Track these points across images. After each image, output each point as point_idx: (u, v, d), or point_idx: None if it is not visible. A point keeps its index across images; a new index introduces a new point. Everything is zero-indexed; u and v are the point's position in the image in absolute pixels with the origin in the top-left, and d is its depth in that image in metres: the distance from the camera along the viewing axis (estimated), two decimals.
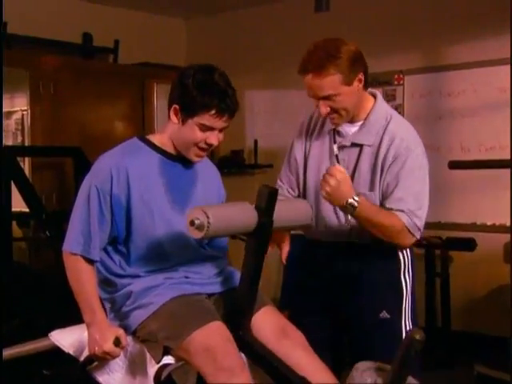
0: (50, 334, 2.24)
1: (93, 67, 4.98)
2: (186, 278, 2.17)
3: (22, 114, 4.64)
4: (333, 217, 2.38)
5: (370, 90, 2.40)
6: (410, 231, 2.27)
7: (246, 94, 5.22)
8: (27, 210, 3.91)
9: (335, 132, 2.39)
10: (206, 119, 2.07)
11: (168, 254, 2.16)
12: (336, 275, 2.39)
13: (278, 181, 2.55)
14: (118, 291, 2.16)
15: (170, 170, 2.17)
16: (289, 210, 2.15)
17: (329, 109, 2.27)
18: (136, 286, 2.13)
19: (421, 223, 2.29)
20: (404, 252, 2.40)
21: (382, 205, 2.30)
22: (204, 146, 2.13)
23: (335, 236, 2.38)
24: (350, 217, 2.30)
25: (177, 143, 2.16)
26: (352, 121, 2.35)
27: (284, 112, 5.31)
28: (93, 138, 4.76)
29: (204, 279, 2.20)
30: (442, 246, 4.22)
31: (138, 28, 5.45)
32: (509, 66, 3.90)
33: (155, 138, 2.21)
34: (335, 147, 2.37)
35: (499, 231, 4.27)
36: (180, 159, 2.19)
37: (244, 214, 1.97)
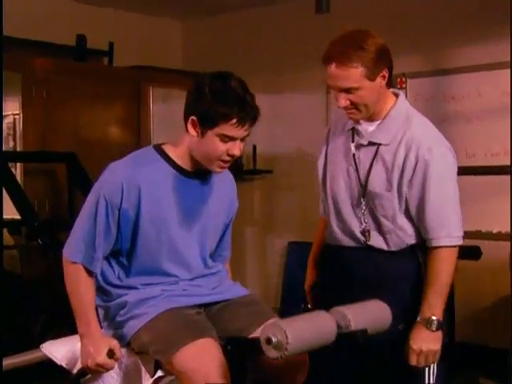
0: (41, 346, 2.23)
1: (87, 70, 4.98)
2: (184, 290, 2.17)
3: (14, 118, 4.64)
4: (353, 220, 2.37)
5: (392, 89, 2.38)
6: (454, 246, 2.30)
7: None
8: (19, 217, 3.91)
9: (354, 131, 2.39)
10: (227, 129, 2.03)
11: (169, 271, 2.16)
12: (356, 280, 2.37)
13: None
14: (113, 300, 2.17)
15: (184, 187, 2.15)
16: (367, 315, 2.02)
17: (348, 102, 2.25)
18: (132, 296, 2.14)
19: (460, 230, 2.32)
20: (421, 257, 2.36)
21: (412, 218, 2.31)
22: (227, 157, 2.09)
23: (355, 240, 2.38)
24: (365, 219, 2.32)
25: (198, 157, 2.11)
26: (371, 119, 2.34)
27: (284, 116, 5.32)
28: (87, 143, 4.76)
29: (203, 291, 2.20)
30: None
31: (133, 30, 5.46)
32: None
33: (172, 151, 2.16)
34: (352, 146, 2.37)
35: (505, 239, 4.26)
36: (195, 175, 2.16)
37: (324, 328, 1.89)
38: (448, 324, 4.21)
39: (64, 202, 4.57)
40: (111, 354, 2.04)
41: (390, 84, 2.31)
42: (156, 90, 5.11)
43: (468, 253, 4.19)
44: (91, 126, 4.90)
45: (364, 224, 2.34)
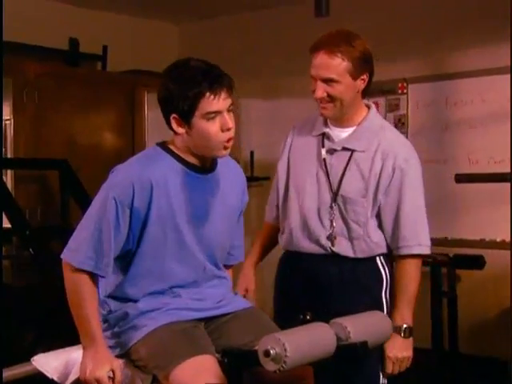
0: (32, 359, 2.21)
1: (80, 75, 4.99)
2: (186, 304, 2.16)
3: (5, 124, 4.63)
4: (318, 225, 2.41)
5: (365, 101, 2.47)
6: (422, 255, 2.41)
7: (241, 102, 5.22)
8: (10, 225, 3.90)
9: (324, 136, 2.44)
10: (207, 106, 2.03)
11: (173, 273, 2.15)
12: (319, 287, 2.42)
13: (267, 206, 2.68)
14: (113, 313, 2.16)
15: (192, 183, 2.15)
16: (367, 326, 2.03)
17: (325, 94, 2.33)
18: (132, 308, 2.13)
19: (429, 239, 2.41)
20: (386, 268, 2.44)
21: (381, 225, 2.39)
22: (224, 135, 2.08)
23: (319, 246, 2.42)
24: (333, 224, 2.38)
25: (198, 149, 2.11)
26: (343, 125, 2.42)
27: (282, 122, 5.27)
28: (80, 149, 4.76)
29: (206, 305, 2.19)
30: (448, 264, 4.21)
31: (127, 33, 5.46)
32: None
33: (176, 149, 2.15)
34: (323, 151, 2.43)
35: (510, 248, 4.26)
36: (204, 170, 2.17)
37: (324, 341, 1.89)
38: (451, 335, 4.23)
39: (56, 211, 4.56)
40: (111, 373, 2.03)
41: (365, 94, 2.41)
42: (151, 96, 5.10)
43: (472, 262, 4.21)
44: (84, 132, 4.90)
45: (331, 229, 2.39)
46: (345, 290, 2.40)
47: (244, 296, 2.59)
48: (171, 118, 2.08)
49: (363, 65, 2.32)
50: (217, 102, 2.04)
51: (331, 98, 2.33)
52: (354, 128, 2.41)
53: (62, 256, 2.09)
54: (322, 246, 2.42)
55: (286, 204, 2.52)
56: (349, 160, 2.39)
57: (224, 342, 2.13)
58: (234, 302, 2.27)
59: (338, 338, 1.90)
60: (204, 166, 2.16)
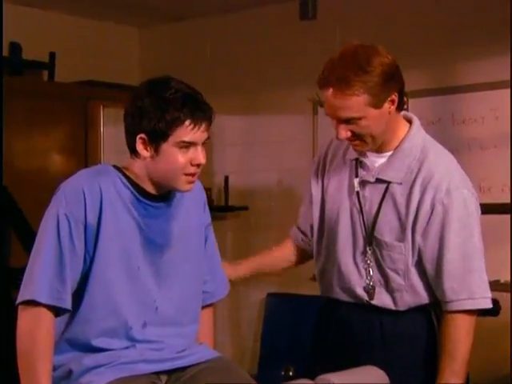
0: None
1: (22, 86, 4.98)
2: (142, 355, 2.16)
3: None
4: (353, 269, 2.38)
5: (405, 113, 2.40)
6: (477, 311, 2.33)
7: (214, 119, 5.24)
8: None
9: (358, 163, 2.39)
10: (183, 135, 2.09)
11: (124, 309, 2.15)
12: (357, 341, 2.40)
13: (295, 227, 2.64)
14: (55, 370, 2.14)
15: (144, 209, 2.19)
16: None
17: (350, 133, 2.26)
18: (76, 364, 2.13)
19: (487, 289, 2.36)
20: (434, 317, 2.39)
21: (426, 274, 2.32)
22: (191, 169, 2.14)
23: (354, 297, 2.39)
24: (370, 272, 2.33)
25: (158, 178, 2.16)
26: (380, 150, 2.35)
27: (262, 142, 5.34)
28: (22, 174, 4.74)
29: (164, 355, 2.19)
30: None
31: (79, 38, 5.47)
32: None
33: (130, 173, 2.20)
34: (356, 182, 2.37)
35: (510, 290, 4.28)
36: (156, 197, 2.20)
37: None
38: None
39: None
40: None
41: (402, 107, 2.32)
42: (108, 111, 5.10)
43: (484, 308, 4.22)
44: (27, 155, 4.88)
45: (368, 279, 2.35)
46: (386, 341, 2.35)
47: None
48: (138, 137, 2.12)
49: (387, 87, 2.23)
50: (195, 133, 2.11)
51: (359, 136, 2.27)
52: (391, 153, 2.33)
53: (18, 300, 2.09)
54: (357, 296, 2.38)
55: (320, 239, 2.48)
56: (384, 194, 2.32)
57: None
58: (200, 351, 2.27)
59: None
60: (160, 194, 2.21)
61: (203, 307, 2.40)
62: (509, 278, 4.43)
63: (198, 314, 2.35)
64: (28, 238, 4.05)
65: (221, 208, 5.39)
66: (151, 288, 2.19)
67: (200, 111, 2.11)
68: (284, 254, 2.69)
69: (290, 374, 2.42)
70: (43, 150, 5.01)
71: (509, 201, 4.31)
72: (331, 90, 2.21)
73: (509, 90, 4.36)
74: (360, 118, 2.22)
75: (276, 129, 5.31)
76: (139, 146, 2.13)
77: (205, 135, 2.14)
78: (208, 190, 5.42)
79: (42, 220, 2.15)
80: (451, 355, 2.28)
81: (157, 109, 2.09)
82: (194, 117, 2.10)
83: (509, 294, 4.30)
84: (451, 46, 4.65)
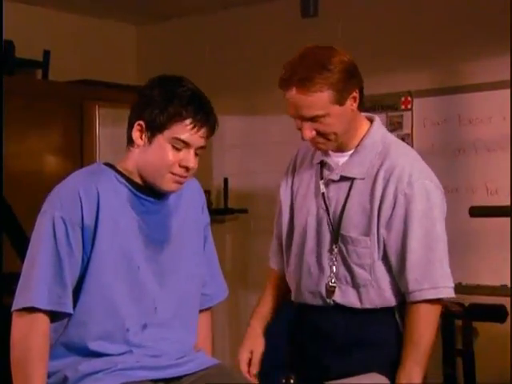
0: None
1: (15, 85, 4.97)
2: (138, 362, 2.17)
3: None
4: (319, 270, 2.43)
5: (366, 113, 2.49)
6: (441, 301, 2.39)
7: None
8: None
9: (322, 164, 2.46)
10: (180, 132, 2.12)
11: (122, 311, 2.16)
12: (327, 344, 2.43)
13: (272, 255, 2.68)
14: (49, 376, 2.15)
15: (142, 205, 2.21)
16: None
17: (314, 133, 2.34)
18: (73, 371, 2.13)
19: (449, 279, 2.41)
20: (399, 320, 2.44)
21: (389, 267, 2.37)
22: (179, 170, 2.16)
23: (319, 294, 2.43)
24: (333, 269, 2.38)
25: (145, 171, 2.19)
26: (342, 149, 2.43)
27: (262, 144, 5.34)
28: (15, 176, 4.72)
29: (162, 362, 2.20)
30: (463, 315, 4.22)
31: (74, 35, 5.48)
32: None
33: (119, 166, 2.24)
34: (321, 183, 2.45)
35: (510, 295, 4.27)
36: (152, 192, 2.22)
37: None
38: None
39: None
40: None
41: (362, 106, 2.41)
42: (103, 111, 5.09)
43: (491, 313, 4.21)
44: (20, 156, 4.87)
45: (330, 277, 2.40)
46: (351, 347, 2.40)
47: (249, 362, 2.57)
48: (136, 123, 2.16)
49: (348, 84, 2.32)
50: (192, 134, 2.13)
51: (322, 134, 2.35)
52: (353, 150, 2.42)
53: (15, 307, 2.10)
54: (321, 297, 2.42)
55: (289, 247, 2.54)
56: (349, 191, 2.39)
57: None
58: (198, 358, 2.28)
59: None
60: (154, 190, 2.22)
61: (201, 311, 2.41)
62: None
63: (197, 317, 2.36)
64: (21, 243, 4.05)
65: (220, 211, 5.39)
66: (151, 287, 2.20)
67: (203, 114, 2.14)
68: (280, 289, 2.67)
69: (292, 381, 2.42)
70: (37, 151, 5.00)
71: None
72: (294, 89, 2.29)
73: None
74: (324, 116, 2.31)
75: (276, 129, 5.30)
76: (135, 133, 2.17)
77: (201, 141, 2.16)
78: (207, 193, 5.40)
79: (35, 224, 2.15)
80: (415, 345, 2.34)
81: (163, 99, 2.12)
82: (195, 117, 2.12)
83: None
84: (458, 45, 4.64)
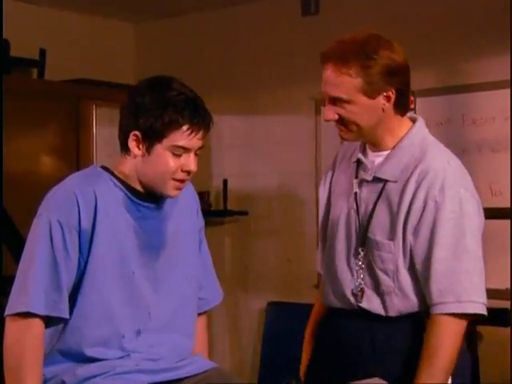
0: None
1: (10, 84, 4.96)
2: (137, 365, 2.17)
3: None
4: (346, 273, 2.40)
5: (411, 114, 2.44)
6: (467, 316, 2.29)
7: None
8: None
9: (359, 164, 2.44)
10: (178, 139, 2.13)
11: (117, 316, 2.17)
12: (348, 351, 2.41)
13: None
14: (46, 382, 2.15)
15: (138, 210, 2.22)
16: None
17: (336, 116, 2.32)
18: (70, 375, 2.13)
19: (478, 294, 2.31)
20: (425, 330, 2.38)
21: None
22: (181, 175, 2.18)
23: (345, 303, 2.41)
24: (360, 274, 2.35)
25: (146, 179, 2.21)
26: (378, 149, 2.40)
27: (262, 144, 5.34)
28: (11, 177, 4.72)
29: (160, 365, 2.21)
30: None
31: (71, 34, 5.47)
32: None
33: (115, 170, 2.24)
34: (355, 182, 2.42)
35: (509, 298, 4.27)
36: (148, 197, 2.23)
37: None
38: None
39: None
40: None
41: (405, 109, 2.36)
42: (101, 110, 5.08)
43: (495, 317, 4.20)
44: (16, 157, 4.86)
45: (358, 282, 2.37)
46: (377, 355, 2.36)
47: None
48: (131, 134, 2.15)
49: (385, 80, 2.28)
50: (190, 139, 2.15)
51: (343, 121, 2.33)
52: (389, 151, 2.38)
53: (10, 311, 2.09)
54: (347, 301, 2.40)
55: (324, 249, 2.53)
56: (380, 193, 2.36)
57: None
58: (197, 362, 2.28)
59: None
60: (151, 195, 2.23)
61: (197, 314, 2.42)
62: None
63: (195, 321, 2.37)
64: (17, 246, 4.04)
65: (219, 212, 5.39)
66: (146, 293, 2.21)
67: (200, 117, 2.15)
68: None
69: None
70: (33, 152, 5.00)
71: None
72: (330, 64, 2.29)
73: None
74: (348, 102, 2.29)
75: (277, 129, 5.30)
76: (131, 143, 2.17)
77: (200, 143, 2.18)
78: (206, 194, 5.44)
79: (31, 227, 2.14)
80: (430, 360, 2.26)
81: (156, 107, 2.13)
82: (192, 122, 2.13)
83: None
84: (461, 44, 4.65)
